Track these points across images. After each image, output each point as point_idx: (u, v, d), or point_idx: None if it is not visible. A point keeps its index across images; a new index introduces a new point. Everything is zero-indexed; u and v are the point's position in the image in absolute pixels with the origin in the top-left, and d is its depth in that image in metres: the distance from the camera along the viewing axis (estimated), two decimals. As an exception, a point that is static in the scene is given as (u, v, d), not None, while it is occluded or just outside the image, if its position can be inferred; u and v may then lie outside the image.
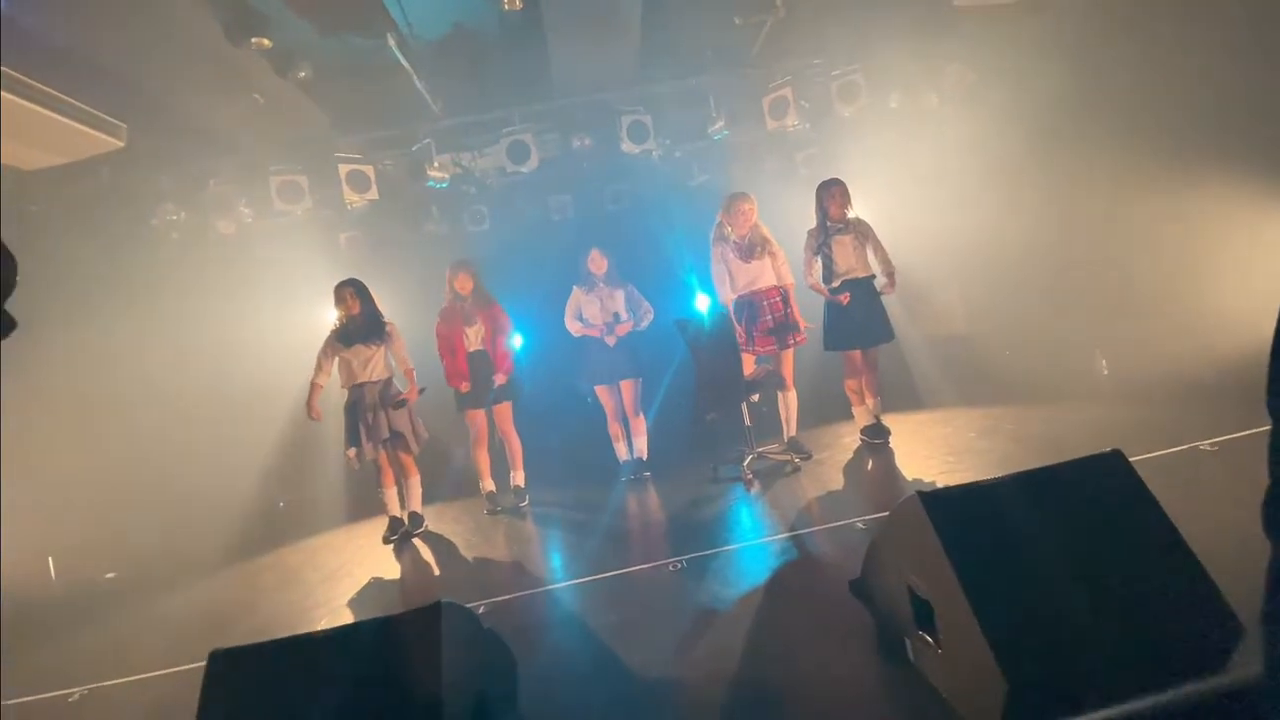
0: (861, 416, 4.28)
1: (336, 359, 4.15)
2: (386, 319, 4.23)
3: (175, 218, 5.03)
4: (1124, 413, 3.88)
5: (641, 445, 4.72)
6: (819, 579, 2.53)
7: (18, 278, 0.79)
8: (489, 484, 4.51)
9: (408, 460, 4.23)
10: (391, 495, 4.23)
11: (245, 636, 1.82)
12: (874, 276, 4.15)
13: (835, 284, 4.10)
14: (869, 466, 3.89)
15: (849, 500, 3.37)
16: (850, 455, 4.14)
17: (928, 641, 1.63)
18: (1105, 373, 4.90)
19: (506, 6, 3.77)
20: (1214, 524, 1.94)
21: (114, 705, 2.56)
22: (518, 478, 4.56)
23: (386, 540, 4.12)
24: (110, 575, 4.68)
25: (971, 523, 1.60)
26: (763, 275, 4.15)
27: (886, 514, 1.88)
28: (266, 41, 3.72)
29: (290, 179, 5.00)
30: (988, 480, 1.70)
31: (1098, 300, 4.92)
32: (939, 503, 1.62)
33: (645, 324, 4.64)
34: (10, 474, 4.38)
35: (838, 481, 3.69)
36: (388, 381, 4.17)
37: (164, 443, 5.05)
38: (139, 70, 3.76)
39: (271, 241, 5.51)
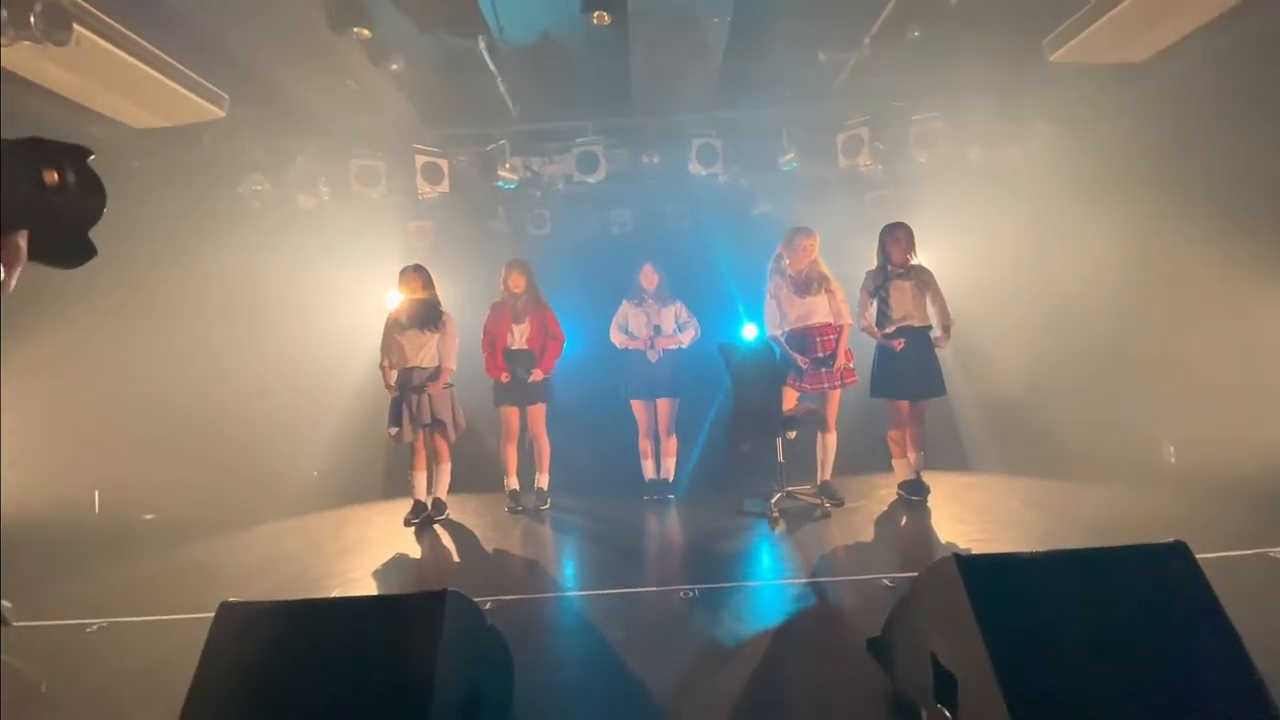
0: (901, 470, 4.11)
1: (392, 340, 4.25)
2: (444, 310, 4.33)
3: (260, 188, 5.29)
4: (1187, 505, 3.62)
5: (669, 466, 4.67)
6: (835, 631, 2.41)
7: (104, 210, 0.82)
8: (514, 481, 4.53)
9: (443, 447, 4.31)
10: (420, 479, 4.29)
11: (261, 594, 1.86)
12: (930, 327, 4.02)
13: (889, 329, 3.99)
14: (902, 522, 3.73)
15: (877, 554, 3.23)
16: (884, 508, 3.98)
17: (946, 716, 1.52)
18: (1173, 460, 4.58)
19: (595, 21, 3.86)
20: (1272, 633, 1.76)
21: (129, 642, 2.64)
22: (542, 480, 4.57)
23: (408, 523, 4.17)
24: (149, 517, 4.89)
25: (1012, 595, 1.49)
26: (816, 311, 4.05)
27: (915, 574, 1.78)
28: (366, 32, 3.90)
29: (369, 164, 5.21)
30: (1035, 553, 1.59)
31: (1174, 383, 4.62)
32: (977, 569, 1.52)
33: (689, 341, 4.60)
34: (75, 406, 4.65)
35: (868, 533, 3.54)
36: (437, 369, 4.26)
37: (218, 399, 5.27)
38: (246, 46, 4.00)
39: (345, 221, 5.75)
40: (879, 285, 4.01)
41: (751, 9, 3.88)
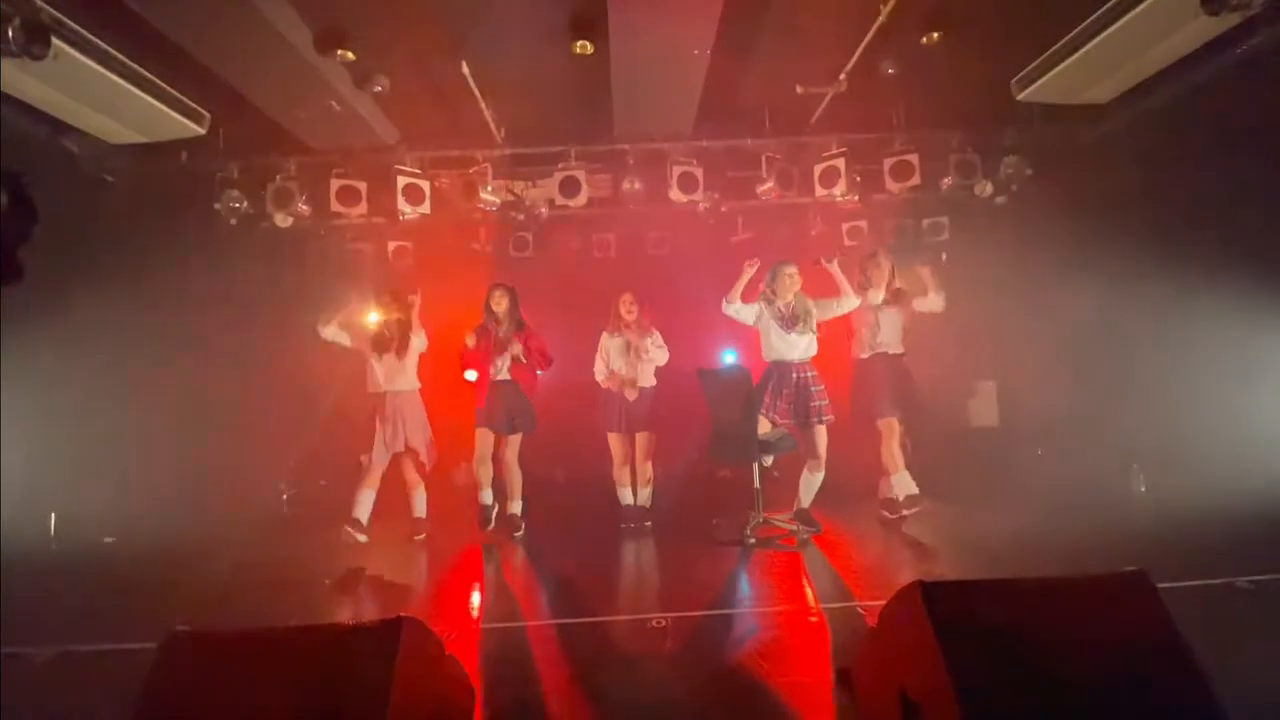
0: (883, 488, 4.30)
1: (370, 363, 4.24)
2: (418, 333, 4.29)
3: (238, 205, 5.25)
4: (1155, 534, 3.66)
5: (646, 495, 4.64)
6: (807, 662, 2.38)
7: (33, 230, 0.82)
8: (487, 495, 4.42)
9: (415, 472, 4.27)
10: (365, 498, 4.14)
11: (220, 621, 1.78)
12: (904, 354, 4.31)
13: (865, 354, 4.28)
14: (880, 550, 3.73)
15: (855, 582, 3.21)
16: (862, 535, 3.98)
17: (913, 750, 1.50)
18: (1142, 490, 4.65)
19: (578, 50, 3.94)
20: (1239, 662, 1.77)
21: (79, 672, 2.52)
22: (515, 506, 4.48)
23: (347, 538, 4.01)
24: (109, 540, 4.72)
25: (976, 624, 1.49)
26: (797, 347, 4.09)
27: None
28: (351, 54, 3.93)
29: (350, 184, 5.21)
30: (999, 580, 1.59)
31: (1141, 414, 4.72)
32: (942, 597, 1.51)
33: (658, 361, 4.60)
34: (38, 426, 4.51)
35: (845, 560, 3.53)
36: (413, 394, 4.23)
37: (186, 418, 5.15)
38: (228, 65, 4.00)
39: (322, 240, 5.71)
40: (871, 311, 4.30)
41: (731, 43, 3.97)
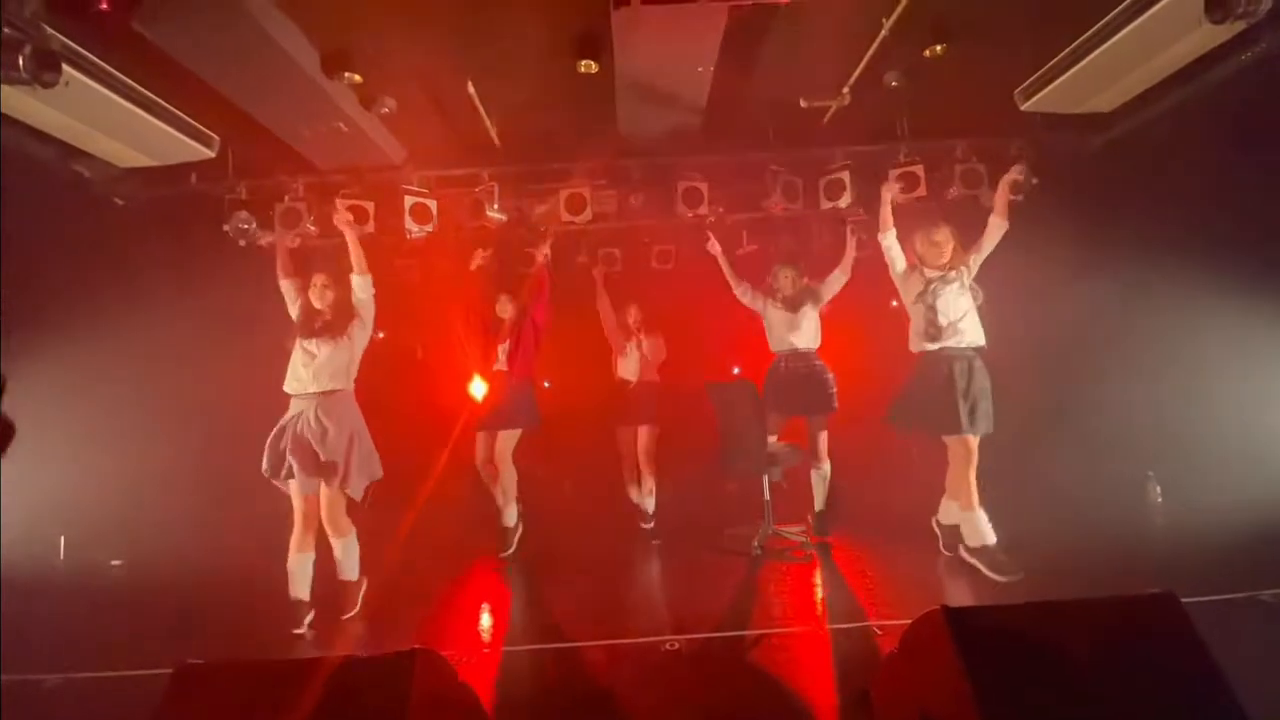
0: (945, 513, 3.70)
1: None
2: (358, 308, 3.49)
3: (246, 226, 5.27)
4: (1173, 546, 3.60)
5: (650, 503, 4.69)
6: (825, 685, 2.34)
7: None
8: (510, 516, 4.32)
9: (339, 513, 3.21)
10: (299, 566, 3.19)
11: (229, 648, 1.76)
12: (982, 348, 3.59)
13: (933, 346, 3.48)
14: (897, 566, 3.67)
15: (868, 599, 3.17)
16: (878, 549, 3.93)
17: (938, 778, 1.47)
18: (1159, 500, 4.59)
19: (583, 69, 3.96)
20: (1266, 679, 1.73)
21: (87, 700, 2.50)
22: (508, 517, 4.29)
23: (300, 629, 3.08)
24: (116, 563, 4.71)
25: (1001, 649, 1.46)
26: (804, 332, 4.16)
27: (905, 621, 1.74)
28: (358, 77, 3.97)
29: (357, 203, 5.23)
30: (1025, 604, 1.56)
31: (1156, 422, 4.66)
32: (967, 621, 1.48)
33: (654, 358, 4.82)
34: (42, 450, 4.51)
35: (858, 576, 3.48)
36: (346, 395, 3.30)
37: (198, 440, 5.15)
38: (237, 87, 4.03)
39: (329, 258, 5.72)
40: (922, 291, 3.66)
41: (734, 59, 3.99)
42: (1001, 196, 3.69)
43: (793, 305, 4.19)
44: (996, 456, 5.46)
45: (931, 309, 3.49)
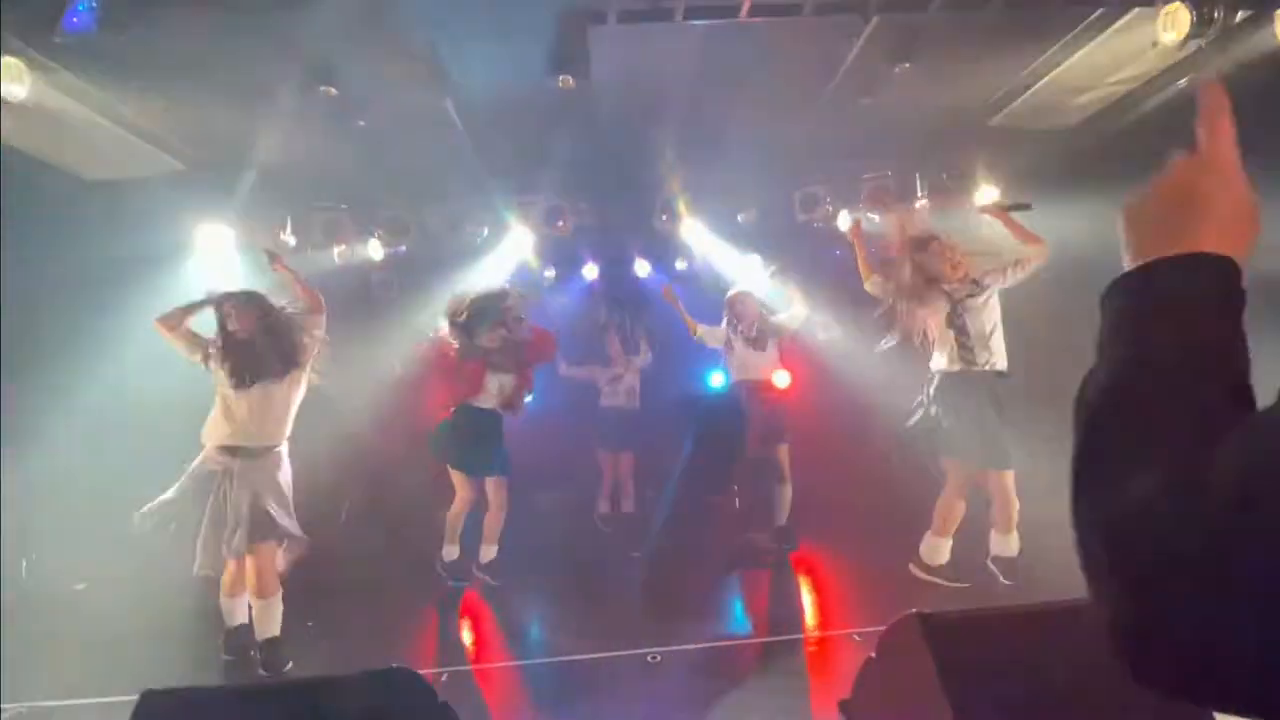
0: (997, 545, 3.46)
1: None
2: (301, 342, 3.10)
3: (219, 240, 5.19)
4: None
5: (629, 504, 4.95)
6: (805, 692, 2.35)
7: None
8: (454, 549, 3.99)
9: (271, 580, 2.94)
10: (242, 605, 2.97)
11: (196, 676, 1.70)
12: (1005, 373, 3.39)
13: (958, 368, 3.29)
14: (874, 570, 3.70)
15: (846, 605, 3.19)
16: (855, 555, 3.96)
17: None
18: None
19: (561, 85, 3.99)
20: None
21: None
22: (489, 552, 4.05)
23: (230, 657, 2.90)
24: (80, 587, 4.55)
25: (978, 656, 1.47)
26: (762, 366, 4.27)
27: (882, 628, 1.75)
28: (333, 90, 3.94)
29: (333, 216, 5.19)
30: (1001, 608, 1.58)
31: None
32: (942, 628, 1.50)
33: (641, 362, 5.05)
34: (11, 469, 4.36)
35: (835, 583, 3.51)
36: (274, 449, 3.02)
37: (162, 458, 5.02)
38: (209, 100, 3.99)
39: (306, 271, 5.66)
40: (952, 311, 3.50)
41: (710, 76, 4.05)
42: (1012, 224, 3.59)
43: (758, 344, 4.26)
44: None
45: (963, 330, 3.31)
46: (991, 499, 3.40)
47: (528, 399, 4.21)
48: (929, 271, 3.42)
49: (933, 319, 3.44)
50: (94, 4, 2.61)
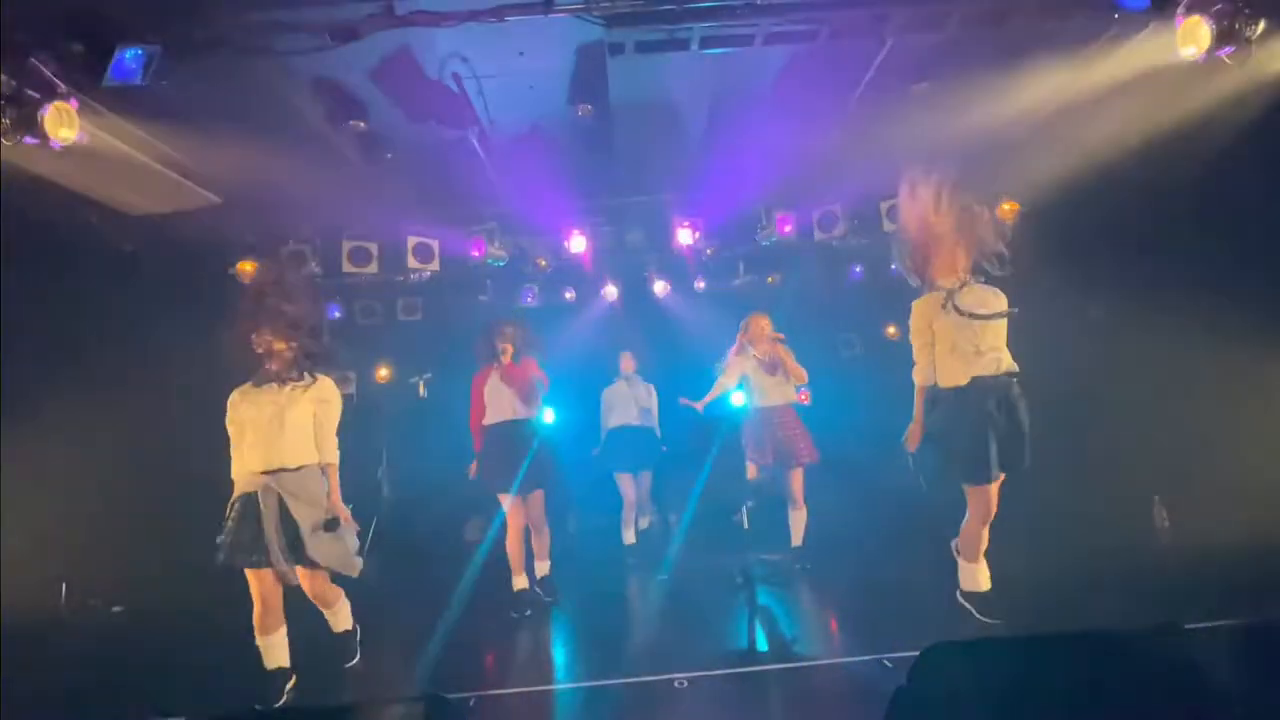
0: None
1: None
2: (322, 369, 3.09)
3: (251, 269, 5.36)
4: (1181, 571, 3.57)
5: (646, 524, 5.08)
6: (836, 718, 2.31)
7: None
8: (522, 580, 3.90)
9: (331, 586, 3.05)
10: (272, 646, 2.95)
11: (231, 700, 1.72)
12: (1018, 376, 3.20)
13: (966, 378, 3.06)
14: (902, 595, 3.64)
15: (875, 630, 3.13)
16: (882, 580, 3.90)
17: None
18: (1165, 524, 4.56)
19: (580, 113, 4.10)
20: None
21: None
22: (543, 567, 4.09)
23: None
24: (117, 610, 4.65)
25: (1007, 684, 1.45)
26: (779, 392, 4.29)
27: (914, 653, 1.73)
28: (362, 124, 4.09)
29: (361, 245, 5.34)
30: (1030, 636, 1.55)
31: (1163, 446, 4.64)
32: (970, 656, 1.48)
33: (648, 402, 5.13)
34: (45, 494, 4.51)
35: (865, 608, 3.46)
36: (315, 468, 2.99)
37: (203, 483, 5.13)
38: (246, 137, 4.16)
39: (335, 299, 5.81)
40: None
41: (726, 99, 4.12)
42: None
43: (771, 369, 4.28)
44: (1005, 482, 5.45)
45: (971, 338, 3.08)
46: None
47: (542, 391, 4.09)
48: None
49: (951, 338, 3.18)
50: (140, 54, 2.75)
